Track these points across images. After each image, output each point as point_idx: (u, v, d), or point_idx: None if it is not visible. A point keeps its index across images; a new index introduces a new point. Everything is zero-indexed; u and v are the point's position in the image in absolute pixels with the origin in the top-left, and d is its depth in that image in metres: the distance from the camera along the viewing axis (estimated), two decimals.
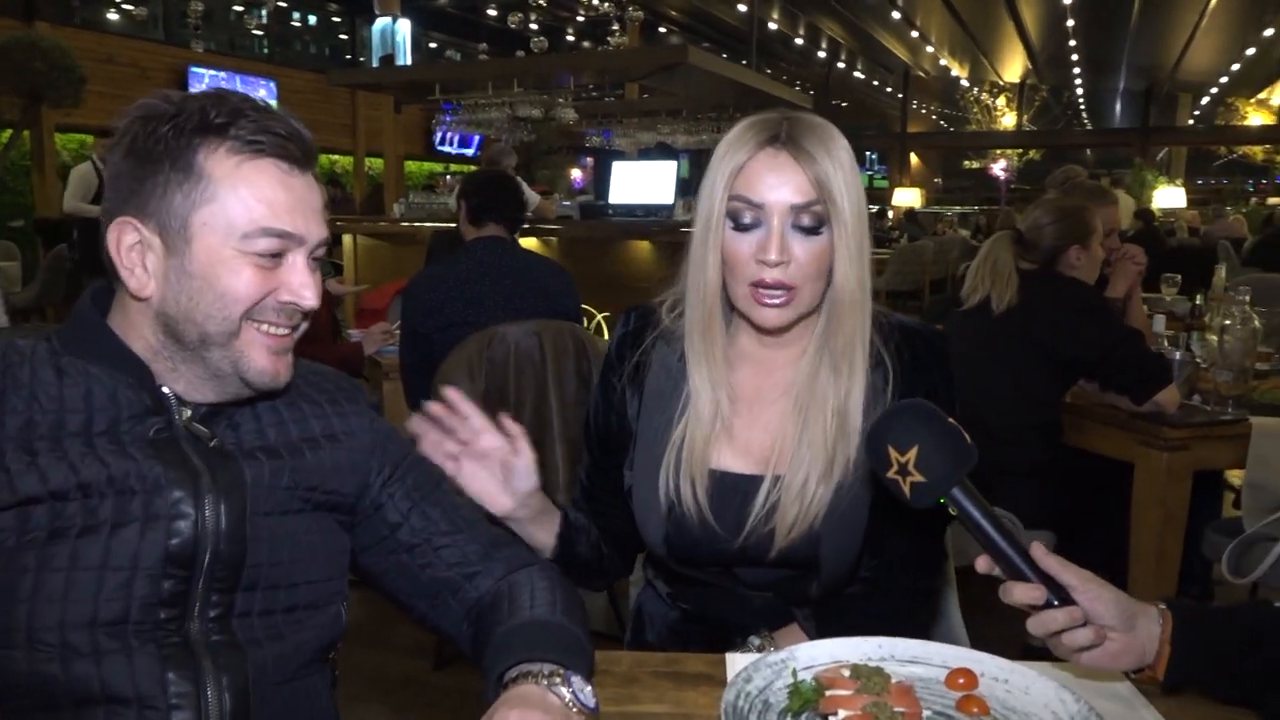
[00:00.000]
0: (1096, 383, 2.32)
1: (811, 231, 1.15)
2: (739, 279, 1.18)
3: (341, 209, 9.04)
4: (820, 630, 1.19)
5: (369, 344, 3.38)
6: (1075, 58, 14.39)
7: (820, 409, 1.21)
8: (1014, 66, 16.75)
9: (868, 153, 24.33)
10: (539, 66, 7.32)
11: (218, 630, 0.95)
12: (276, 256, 0.97)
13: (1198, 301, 3.06)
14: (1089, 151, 20.16)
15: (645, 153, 9.23)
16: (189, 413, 0.99)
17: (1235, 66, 13.61)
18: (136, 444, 0.95)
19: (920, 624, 1.35)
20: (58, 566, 0.88)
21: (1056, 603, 0.92)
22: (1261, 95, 17.15)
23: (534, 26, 11.03)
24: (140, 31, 12.37)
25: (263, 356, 0.99)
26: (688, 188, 7.36)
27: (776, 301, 1.17)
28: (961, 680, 0.95)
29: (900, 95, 19.20)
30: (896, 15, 12.23)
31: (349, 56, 16.95)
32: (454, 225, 6.47)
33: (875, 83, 19.62)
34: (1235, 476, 3.22)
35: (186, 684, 0.91)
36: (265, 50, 15.03)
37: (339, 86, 7.72)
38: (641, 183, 6.87)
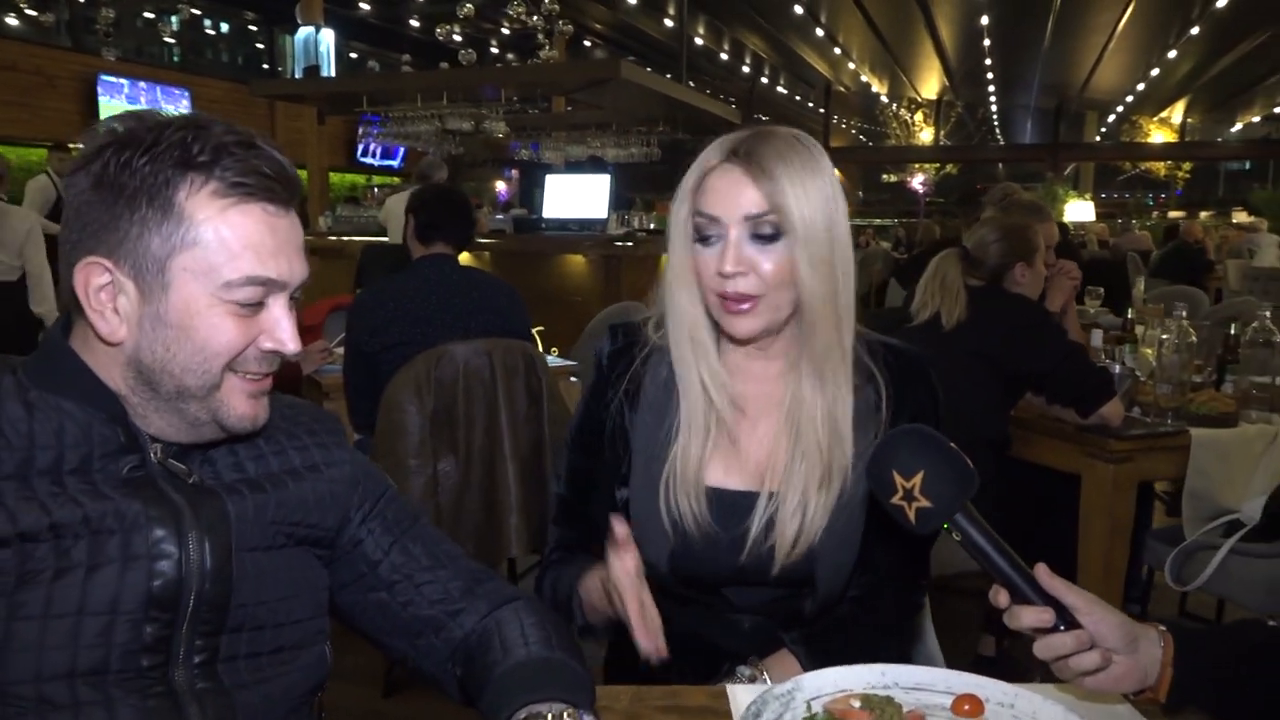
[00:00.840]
0: (1044, 396, 2.37)
1: (770, 239, 1.15)
2: (707, 290, 1.19)
3: None
4: (810, 655, 1.18)
5: (307, 363, 3.28)
6: (990, 76, 14.87)
7: (810, 422, 1.21)
8: (932, 83, 17.22)
9: None
10: (469, 79, 7.25)
11: (203, 677, 0.89)
12: (257, 304, 0.91)
13: (1129, 315, 3.16)
14: (1000, 166, 20.82)
15: (575, 166, 9.20)
16: (161, 449, 0.94)
17: (1140, 86, 14.23)
18: (110, 482, 0.89)
19: (906, 640, 1.35)
20: (30, 614, 0.82)
21: (1062, 627, 0.92)
22: (1163, 114, 17.97)
23: (458, 38, 10.92)
24: (45, 38, 11.89)
25: (242, 403, 0.93)
26: (619, 202, 7.38)
27: (744, 309, 1.17)
28: (967, 707, 0.94)
29: (822, 110, 19.55)
30: (820, 32, 12.45)
31: (265, 65, 16.57)
32: (384, 239, 6.39)
33: (798, 98, 19.96)
34: (1160, 485, 3.34)
35: None
36: (177, 58, 14.58)
37: (263, 98, 7.51)
38: (575, 196, 6.84)
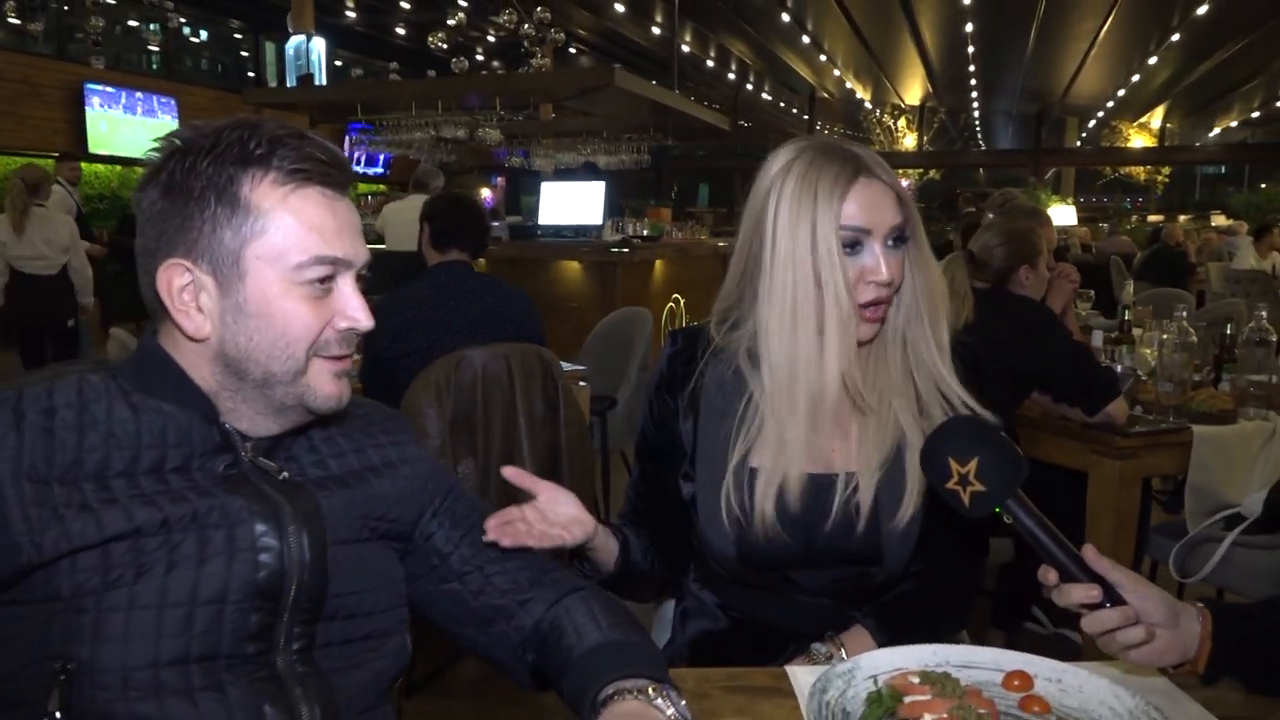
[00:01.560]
0: (1050, 395, 2.44)
1: (904, 242, 1.27)
2: (850, 297, 1.25)
3: None
4: (881, 628, 1.25)
5: None
6: (974, 82, 15.03)
7: (876, 407, 1.29)
8: (915, 89, 17.39)
9: None
10: (464, 87, 7.29)
11: (302, 662, 0.94)
12: (327, 283, 0.96)
13: (1126, 316, 3.24)
14: (981, 171, 21.05)
15: (569, 173, 9.27)
16: (251, 447, 0.99)
17: (1121, 92, 14.42)
18: (209, 480, 0.94)
19: (965, 615, 1.41)
20: (147, 604, 0.87)
21: (1109, 603, 0.98)
22: (1143, 119, 18.21)
23: (444, 46, 10.98)
24: (29, 47, 11.85)
25: (328, 384, 0.98)
26: (613, 208, 7.44)
27: (879, 316, 1.27)
28: (1017, 682, 1.00)
29: (806, 116, 19.70)
30: (806, 39, 12.56)
31: (251, 74, 16.54)
32: (381, 247, 6.42)
33: (782, 104, 20.09)
34: (1156, 484, 3.42)
35: (283, 715, 0.90)
36: (155, 66, 14.51)
37: (255, 106, 7.52)
38: (569, 203, 6.91)
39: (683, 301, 7.77)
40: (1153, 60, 11.61)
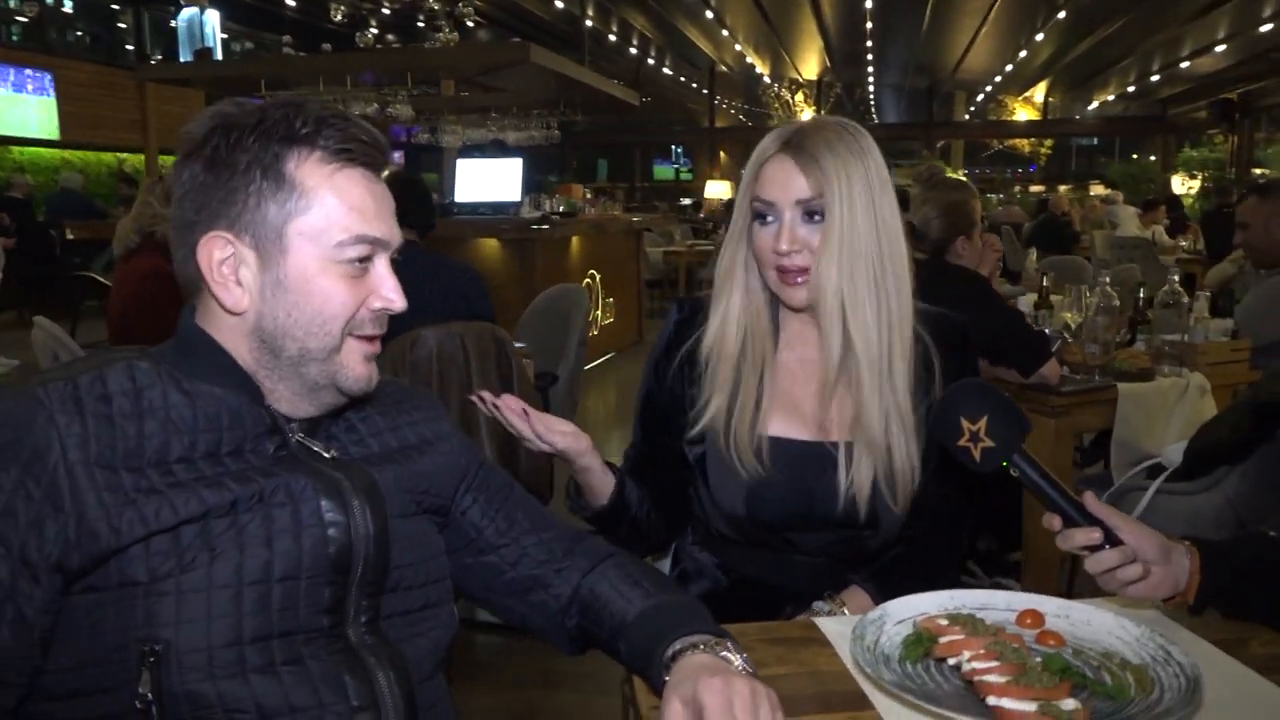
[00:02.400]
0: (988, 359, 2.58)
1: (820, 219, 1.31)
2: (766, 265, 1.35)
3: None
4: (879, 589, 1.33)
5: None
6: (870, 58, 15.38)
7: (885, 378, 1.35)
8: (812, 64, 17.70)
9: (674, 147, 25.12)
10: (376, 62, 7.12)
11: (370, 633, 0.97)
12: (364, 263, 0.98)
13: (1045, 282, 3.43)
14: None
15: (473, 149, 9.12)
16: (295, 427, 1.00)
17: (1009, 68, 14.97)
18: (264, 461, 0.95)
19: (953, 576, 1.51)
20: (226, 583, 0.88)
21: (1108, 545, 1.08)
22: (1027, 94, 18.98)
23: (345, 20, 10.67)
24: None
25: (359, 365, 1.00)
26: (530, 185, 7.40)
27: (799, 281, 1.33)
28: (1029, 620, 1.09)
29: (705, 91, 19.86)
30: (710, 15, 12.66)
31: (129, 47, 15.75)
32: None
33: (682, 79, 20.17)
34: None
35: (363, 685, 0.92)
36: (15, 37, 13.68)
37: (152, 82, 7.20)
38: (486, 180, 6.84)
39: (599, 277, 7.81)
40: (1039, 37, 12.10)
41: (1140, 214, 11.05)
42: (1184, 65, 12.86)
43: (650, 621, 1.02)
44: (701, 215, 15.38)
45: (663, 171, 24.08)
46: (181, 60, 7.78)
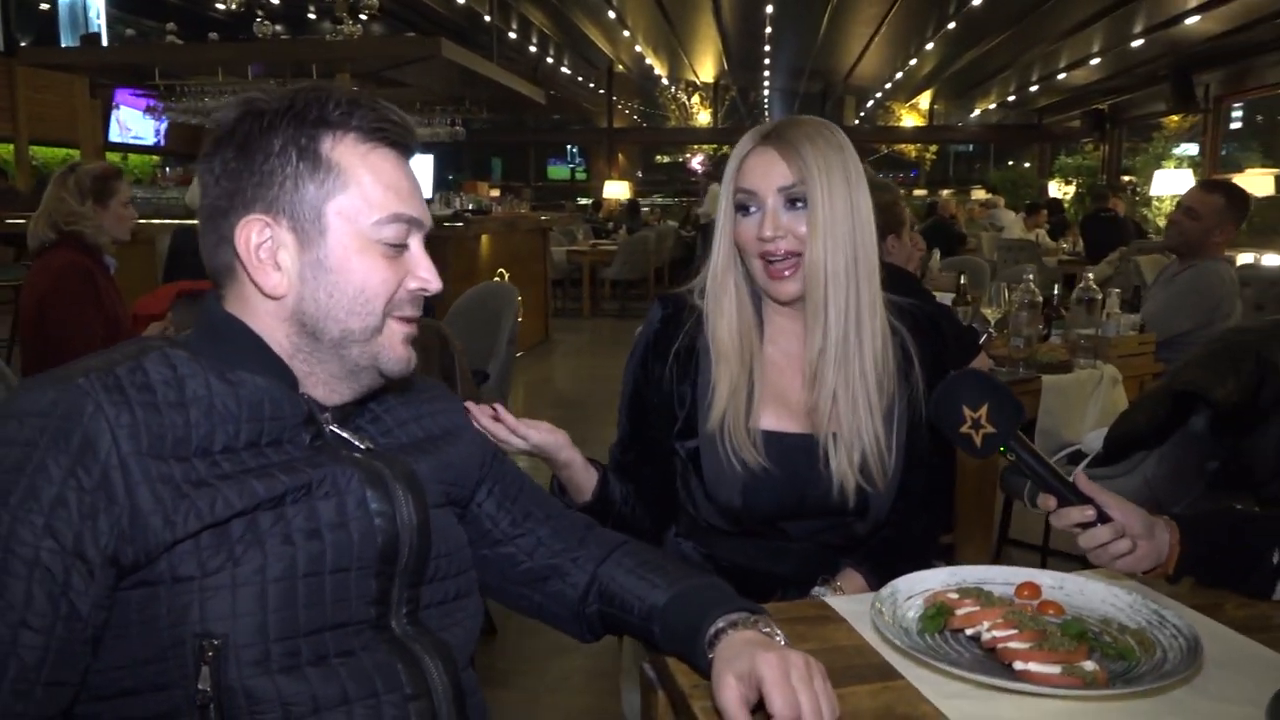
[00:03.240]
0: None
1: (802, 206, 1.35)
2: (751, 256, 1.37)
3: (7, 202, 7.95)
4: (872, 571, 1.39)
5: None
6: (767, 62, 15.69)
7: (857, 368, 1.39)
8: (709, 67, 17.95)
9: (569, 146, 25.09)
10: (281, 53, 6.91)
11: (411, 623, 0.97)
12: (399, 246, 0.98)
13: (961, 281, 3.58)
14: None
15: None
16: (329, 417, 0.99)
17: (898, 75, 15.50)
18: (302, 452, 0.94)
19: (936, 554, 1.57)
20: (280, 576, 0.87)
21: (1100, 522, 1.16)
22: (914, 101, 19.71)
23: (235, 8, 10.31)
24: None
25: (399, 346, 1.00)
26: (440, 182, 7.30)
27: (787, 273, 1.36)
28: (1027, 592, 1.16)
29: (602, 91, 19.91)
30: (612, 15, 12.70)
31: None
32: (194, 223, 6.00)
33: (579, 78, 20.16)
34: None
35: (415, 674, 0.92)
36: None
37: (36, 68, 6.81)
38: None
39: (507, 275, 7.76)
40: (929, 47, 12.58)
41: (1024, 217, 11.60)
42: (1060, 77, 13.56)
43: (686, 603, 1.03)
44: (601, 215, 15.44)
45: (557, 171, 24.02)
46: (63, 45, 7.40)
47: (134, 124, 12.84)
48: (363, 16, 8.57)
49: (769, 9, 10.96)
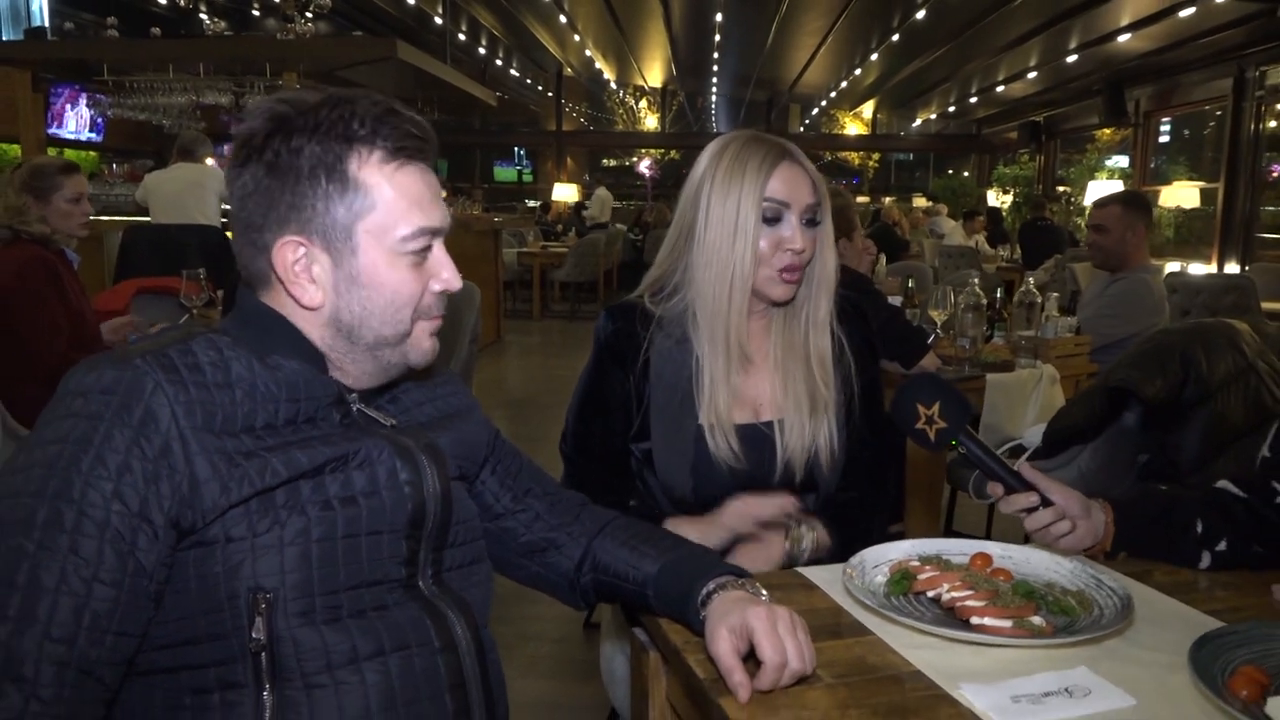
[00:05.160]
0: None
1: (816, 225, 1.50)
2: (769, 265, 1.48)
3: None
4: (832, 524, 1.54)
5: (110, 333, 3.20)
6: (715, 69, 15.89)
7: (802, 362, 1.54)
8: (658, 72, 18.11)
9: (516, 149, 25.09)
10: (234, 50, 6.86)
11: (436, 584, 1.06)
12: (425, 252, 1.06)
13: (909, 284, 3.75)
14: None
15: None
16: (357, 397, 1.08)
17: (843, 84, 15.80)
18: (334, 428, 1.03)
19: (884, 527, 1.69)
20: (323, 537, 0.95)
21: (1043, 506, 1.28)
22: (857, 110, 20.09)
23: (182, 3, 10.20)
24: None
25: (427, 342, 1.09)
26: None
27: (794, 279, 1.49)
28: (980, 561, 1.28)
29: (550, 94, 19.97)
30: (563, 19, 12.77)
31: None
32: (146, 219, 5.95)
33: (528, 80, 20.19)
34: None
35: (442, 628, 1.01)
36: None
37: None
38: None
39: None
40: (874, 58, 12.87)
41: (964, 224, 11.94)
42: (998, 89, 13.96)
43: (678, 570, 1.14)
44: (549, 218, 15.49)
45: (504, 173, 23.98)
46: (4, 39, 7.26)
47: (73, 119, 12.56)
48: (309, 14, 8.54)
49: (718, 17, 11.14)
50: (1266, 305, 5.47)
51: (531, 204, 19.23)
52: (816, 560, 1.49)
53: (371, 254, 1.01)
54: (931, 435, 1.30)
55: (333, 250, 1.01)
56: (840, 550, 1.50)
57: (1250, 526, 1.33)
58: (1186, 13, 8.41)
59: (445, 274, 1.08)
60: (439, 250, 1.08)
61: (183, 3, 8.12)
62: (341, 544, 0.96)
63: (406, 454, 1.04)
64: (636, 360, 1.55)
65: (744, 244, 1.46)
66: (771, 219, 1.46)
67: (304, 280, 1.01)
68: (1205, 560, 1.32)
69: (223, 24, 8.49)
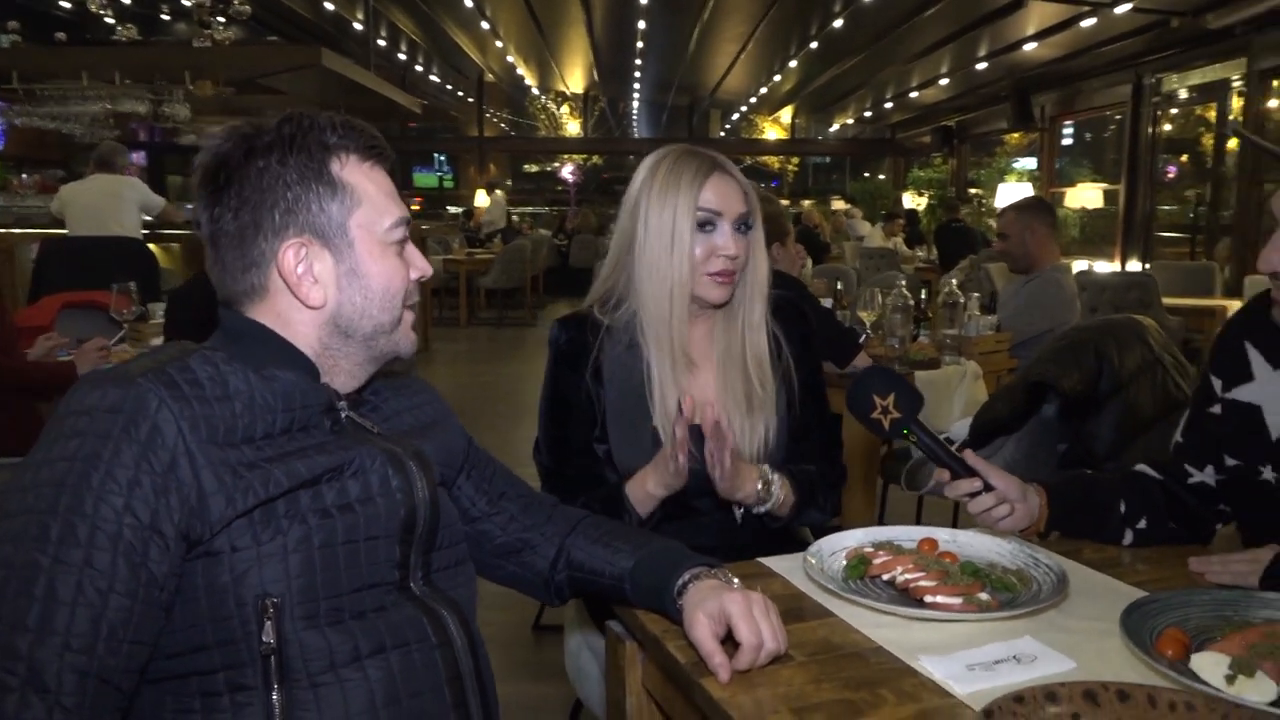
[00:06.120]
0: None
1: (747, 231, 1.60)
2: (704, 267, 1.57)
3: None
4: (792, 481, 1.64)
5: (84, 363, 3.09)
6: (637, 75, 16.02)
7: (740, 362, 1.63)
8: (579, 78, 18.17)
9: (436, 155, 24.90)
10: (157, 58, 6.70)
11: (425, 584, 1.10)
12: (403, 243, 1.13)
13: (839, 287, 3.88)
14: (631, 158, 22.51)
15: None
16: (345, 404, 1.12)
17: (763, 90, 16.09)
18: (325, 436, 1.07)
19: (838, 504, 1.78)
20: (324, 543, 0.99)
21: (985, 490, 1.39)
22: (776, 115, 20.48)
23: (67, 4, 9.92)
24: None
25: (410, 330, 1.15)
26: None
27: (729, 281, 1.58)
28: (927, 546, 1.38)
29: (471, 99, 19.88)
30: (485, 25, 12.73)
31: None
32: (63, 232, 5.78)
33: (449, 86, 20.05)
34: None
35: (437, 626, 1.06)
36: None
37: None
38: None
39: None
40: (792, 64, 13.14)
41: (883, 226, 12.27)
42: (912, 95, 14.39)
43: (653, 563, 1.20)
44: (472, 224, 15.42)
45: (424, 179, 23.76)
46: None
47: None
48: (221, 20, 8.39)
49: (640, 24, 11.25)
50: (1166, 301, 5.78)
51: (454, 210, 19.11)
52: (781, 508, 1.60)
53: (366, 245, 1.08)
54: (886, 424, 1.39)
55: (332, 247, 1.07)
56: (796, 511, 1.62)
57: (1167, 506, 1.46)
58: (1088, 23, 8.82)
59: (419, 262, 1.15)
60: (410, 244, 1.15)
61: (93, 8, 7.87)
62: (342, 549, 1.00)
63: (397, 461, 1.09)
64: (589, 366, 1.62)
65: (681, 252, 1.55)
66: (705, 226, 1.55)
67: (306, 280, 1.06)
68: (1128, 537, 1.45)
69: (133, 29, 8.26)
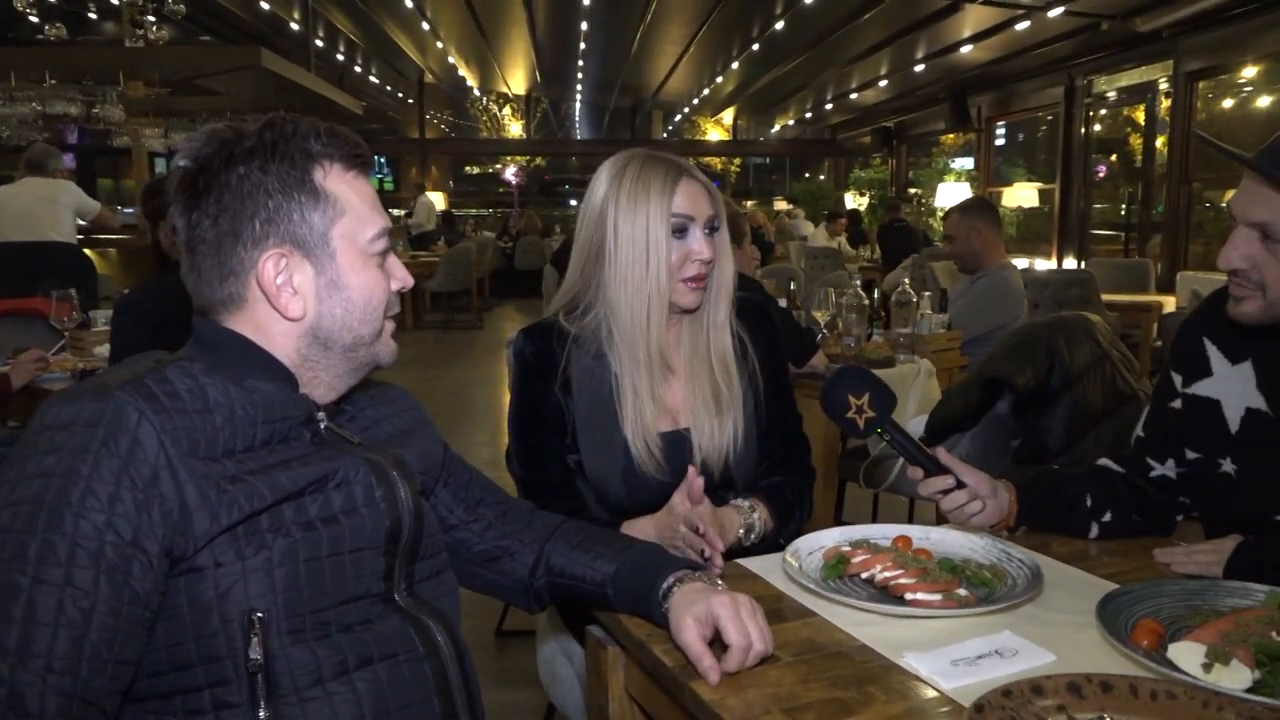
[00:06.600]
0: None
1: (716, 231, 1.60)
2: (679, 272, 1.57)
3: None
4: (768, 500, 1.64)
5: (19, 375, 2.99)
6: (580, 76, 15.99)
7: (706, 362, 1.64)
8: (521, 78, 18.07)
9: (378, 157, 24.58)
10: (90, 59, 6.51)
11: (409, 595, 1.09)
12: (385, 253, 1.11)
13: (792, 287, 3.91)
14: (574, 159, 22.46)
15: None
16: (323, 415, 1.10)
17: (705, 92, 16.16)
18: (306, 447, 1.05)
19: (810, 502, 1.79)
20: (311, 556, 0.97)
21: (957, 488, 1.41)
22: (718, 116, 20.60)
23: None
24: None
25: (390, 340, 1.14)
26: None
27: (701, 286, 1.58)
28: (902, 543, 1.40)
29: (411, 101, 19.66)
30: (425, 25, 12.60)
31: None
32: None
33: (388, 87, 19.79)
34: None
35: (424, 636, 1.05)
36: None
37: None
38: None
39: None
40: (734, 66, 13.22)
41: (826, 225, 12.41)
42: (852, 97, 14.56)
43: (635, 568, 1.20)
44: (399, 225, 15.23)
45: None
46: None
47: None
48: (151, 19, 8.18)
49: (583, 26, 11.23)
50: (1104, 297, 5.94)
51: (395, 213, 18.89)
52: (763, 537, 1.60)
53: (348, 256, 1.06)
54: (860, 423, 1.41)
55: (313, 258, 1.04)
56: (777, 529, 1.61)
57: (1130, 499, 1.50)
58: (1022, 26, 9.01)
59: (400, 273, 1.13)
60: (391, 254, 1.13)
61: (19, 5, 7.62)
62: (327, 562, 0.98)
63: (380, 471, 1.07)
64: (557, 376, 1.61)
65: (657, 259, 1.54)
66: (679, 232, 1.55)
67: (285, 292, 1.03)
68: (1094, 531, 1.48)
69: (61, 28, 8.01)
